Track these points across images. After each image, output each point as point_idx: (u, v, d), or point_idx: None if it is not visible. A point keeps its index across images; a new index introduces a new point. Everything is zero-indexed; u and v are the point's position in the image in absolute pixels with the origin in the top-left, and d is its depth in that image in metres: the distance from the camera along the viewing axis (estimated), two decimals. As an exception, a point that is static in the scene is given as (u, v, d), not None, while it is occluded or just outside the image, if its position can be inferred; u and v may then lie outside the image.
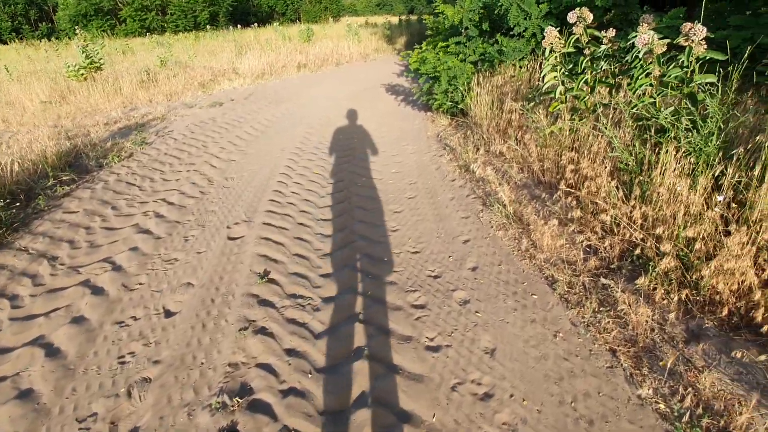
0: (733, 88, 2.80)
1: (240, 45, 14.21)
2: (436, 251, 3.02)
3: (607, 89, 3.57)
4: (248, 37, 16.89)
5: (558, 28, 3.79)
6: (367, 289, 2.65)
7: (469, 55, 5.78)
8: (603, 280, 2.40)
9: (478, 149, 4.45)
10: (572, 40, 3.37)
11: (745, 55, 3.43)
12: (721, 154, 2.46)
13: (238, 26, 18.48)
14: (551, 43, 3.42)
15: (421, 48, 6.36)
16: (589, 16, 3.29)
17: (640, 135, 2.94)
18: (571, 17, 3.31)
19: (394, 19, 22.87)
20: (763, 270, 1.92)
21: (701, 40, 2.59)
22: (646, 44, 2.77)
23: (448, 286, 2.63)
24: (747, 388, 1.73)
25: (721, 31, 4.42)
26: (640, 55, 2.87)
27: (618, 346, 2.05)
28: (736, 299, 1.95)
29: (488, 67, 5.69)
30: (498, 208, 3.33)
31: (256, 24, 21.42)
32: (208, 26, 23.32)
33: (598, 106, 3.35)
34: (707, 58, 2.73)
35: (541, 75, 3.60)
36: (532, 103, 4.12)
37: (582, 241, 2.65)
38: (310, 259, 3.00)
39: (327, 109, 7.32)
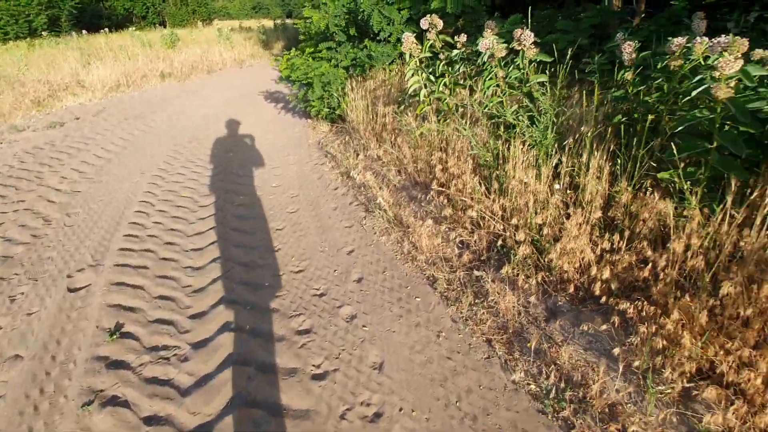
0: (560, 86, 3.20)
1: (87, 53, 12.28)
2: (320, 266, 2.89)
3: (466, 90, 3.83)
4: (98, 43, 14.70)
5: (416, 33, 3.94)
6: (246, 322, 2.41)
7: (341, 61, 5.76)
8: (476, 273, 2.53)
9: (357, 154, 4.44)
10: (427, 46, 3.52)
11: (569, 56, 3.98)
12: (556, 144, 2.77)
13: (84, 32, 15.94)
14: (410, 49, 3.53)
15: (290, 54, 6.15)
16: (439, 23, 3.47)
17: (494, 132, 3.19)
18: (423, 24, 3.45)
19: (270, 23, 22.10)
20: (597, 245, 2.20)
21: (530, 44, 2.90)
22: (488, 49, 3.00)
23: (334, 303, 2.53)
24: (597, 355, 1.94)
25: (551, 34, 5.10)
26: (485, 59, 3.11)
27: (493, 335, 2.17)
28: (579, 275, 2.20)
29: (360, 71, 5.74)
30: (379, 213, 3.33)
31: (107, 29, 18.77)
32: (45, 32, 19.73)
33: (458, 106, 3.56)
34: (538, 60, 3.08)
35: (406, 79, 3.71)
36: (402, 106, 4.23)
37: (455, 238, 2.78)
38: (176, 299, 2.63)
39: (198, 122, 6.68)
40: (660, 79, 2.78)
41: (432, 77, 3.73)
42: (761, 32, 4.57)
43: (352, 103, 4.94)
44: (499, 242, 2.54)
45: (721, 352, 1.59)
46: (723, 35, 1.98)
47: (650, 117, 2.72)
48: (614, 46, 3.04)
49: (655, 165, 2.45)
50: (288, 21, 24.81)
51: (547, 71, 3.41)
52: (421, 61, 3.66)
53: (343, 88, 5.30)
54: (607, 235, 2.23)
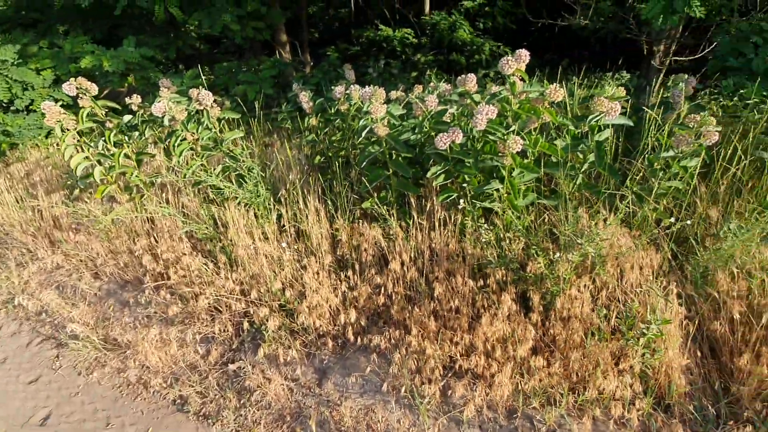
0: (259, 138, 3.21)
1: None
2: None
3: (160, 157, 3.30)
4: None
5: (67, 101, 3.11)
6: None
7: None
8: (231, 367, 2.15)
9: (23, 269, 3.14)
10: (84, 115, 2.81)
11: (258, 107, 4.10)
12: (272, 198, 2.71)
13: None
14: (59, 122, 2.73)
15: None
16: (92, 87, 2.83)
17: (205, 199, 2.86)
18: (68, 89, 2.73)
19: None
20: (337, 288, 2.24)
21: (212, 103, 2.73)
22: (164, 112, 2.64)
23: None
24: (372, 396, 1.95)
25: (239, 86, 5.18)
26: (166, 122, 2.73)
27: (273, 430, 1.86)
28: (333, 325, 2.18)
29: (-4, 154, 4.16)
30: (79, 343, 2.41)
31: None
32: None
33: (154, 178, 3.02)
34: (226, 116, 2.96)
35: (66, 158, 2.85)
36: (75, 191, 3.27)
37: (194, 336, 2.29)
38: None
39: None
40: (337, 121, 3.18)
41: (106, 150, 3.02)
42: (390, 74, 6.11)
43: (-7, 200, 3.48)
44: (246, 324, 2.24)
45: (453, 346, 1.86)
46: (368, 86, 2.38)
47: (340, 155, 3.06)
48: (295, 95, 3.28)
49: (358, 197, 2.75)
50: None
51: (242, 125, 3.35)
52: (82, 133, 2.90)
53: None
54: (342, 275, 2.32)
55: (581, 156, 2.38)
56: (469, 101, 2.38)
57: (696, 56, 4.58)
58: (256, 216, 2.61)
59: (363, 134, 2.25)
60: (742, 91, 3.03)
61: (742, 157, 2.37)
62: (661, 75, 4.49)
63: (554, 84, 2.01)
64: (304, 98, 3.04)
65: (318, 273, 2.24)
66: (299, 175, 2.81)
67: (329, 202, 2.67)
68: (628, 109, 3.53)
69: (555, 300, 1.86)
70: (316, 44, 12.08)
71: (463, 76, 2.45)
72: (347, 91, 2.69)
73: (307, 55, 8.43)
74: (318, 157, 3.23)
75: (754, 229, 1.90)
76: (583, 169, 2.37)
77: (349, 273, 2.28)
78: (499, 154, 2.08)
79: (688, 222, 2.19)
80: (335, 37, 11.14)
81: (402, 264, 2.18)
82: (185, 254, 2.53)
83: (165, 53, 5.38)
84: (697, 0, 3.13)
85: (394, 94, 2.91)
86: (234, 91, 5.19)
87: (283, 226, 2.58)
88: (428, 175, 2.20)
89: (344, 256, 2.45)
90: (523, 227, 2.24)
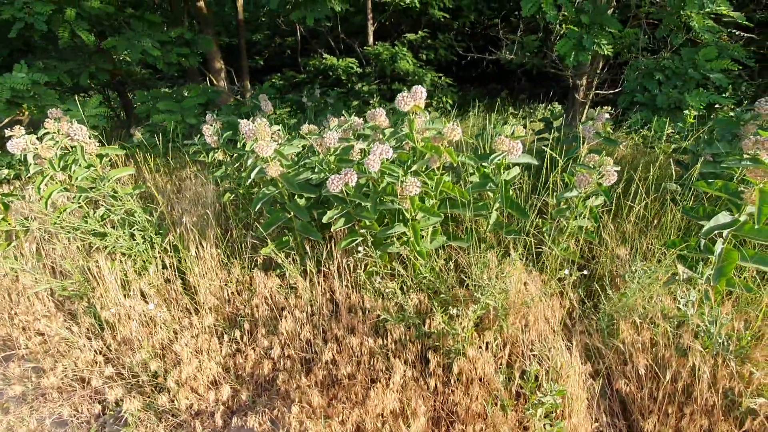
0: (173, 172, 2.87)
1: None
2: None
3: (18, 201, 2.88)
4: None
5: None
6: None
7: None
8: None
9: None
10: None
11: (180, 137, 3.77)
12: (162, 243, 2.38)
13: None
14: None
15: None
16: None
17: (80, 249, 2.48)
18: None
19: None
20: (219, 353, 1.93)
21: (86, 138, 2.40)
22: (24, 149, 2.27)
23: None
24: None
25: (157, 115, 4.81)
26: (30, 161, 2.36)
27: None
28: (205, 402, 1.86)
29: None
30: None
31: None
32: None
33: (27, 223, 2.59)
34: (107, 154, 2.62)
35: None
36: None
37: (46, 419, 1.87)
38: None
39: None
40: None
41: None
42: (324, 103, 5.97)
43: None
44: (111, 402, 1.85)
45: (340, 426, 1.59)
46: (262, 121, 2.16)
47: (251, 193, 2.79)
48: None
49: (260, 242, 2.48)
50: None
51: (150, 160, 3.02)
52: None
53: None
54: (230, 336, 2.01)
55: (492, 195, 2.28)
56: (381, 136, 2.23)
57: (616, 90, 4.81)
58: (139, 268, 2.27)
59: (252, 175, 2.01)
60: (649, 124, 3.12)
61: (651, 189, 2.36)
62: (587, 107, 4.66)
63: (452, 122, 1.89)
64: (207, 131, 2.78)
65: (197, 336, 1.92)
66: (195, 217, 2.51)
67: (225, 248, 2.38)
68: (551, 142, 3.56)
69: (456, 360, 1.66)
70: (261, 71, 11.90)
71: (373, 110, 2.30)
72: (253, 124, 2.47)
73: (247, 83, 8.19)
74: (228, 195, 2.95)
75: (657, 272, 1.83)
76: (494, 208, 2.26)
77: (237, 333, 1.98)
78: (399, 196, 1.91)
79: (596, 265, 2.11)
80: (283, 65, 11.02)
81: (296, 320, 1.92)
82: (46, 316, 2.13)
83: (75, 79, 4.94)
84: (604, 39, 3.23)
85: (304, 129, 2.72)
86: (152, 120, 4.82)
87: (168, 279, 2.25)
88: (324, 219, 1.98)
89: (238, 312, 2.16)
90: (434, 273, 2.07)
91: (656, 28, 3.35)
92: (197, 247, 2.29)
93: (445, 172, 2.19)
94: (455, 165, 2.11)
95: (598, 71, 4.49)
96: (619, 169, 1.92)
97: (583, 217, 2.10)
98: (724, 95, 3.44)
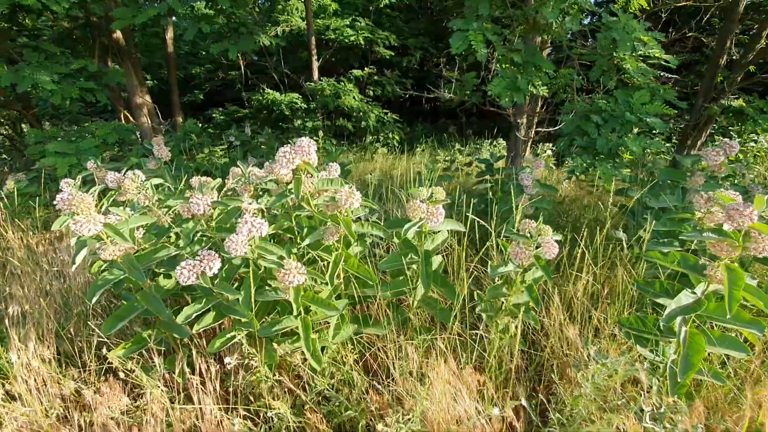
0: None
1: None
2: None
3: None
4: None
5: None
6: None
7: None
8: None
9: None
10: None
11: (76, 184, 3.09)
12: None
13: None
14: None
15: None
16: None
17: None
18: None
19: None
20: None
21: None
22: None
23: None
24: None
25: (45, 158, 4.09)
26: None
27: None
28: None
29: None
30: None
31: None
32: None
33: None
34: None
35: None
36: None
37: None
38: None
39: None
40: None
41: None
42: (258, 142, 5.47)
43: None
44: None
45: None
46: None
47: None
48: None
49: (111, 340, 1.88)
50: None
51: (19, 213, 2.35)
52: None
53: None
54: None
55: (416, 268, 1.84)
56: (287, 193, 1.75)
57: (557, 127, 4.71)
58: None
59: (77, 259, 1.44)
60: (590, 169, 2.89)
61: (599, 250, 2.03)
62: (528, 144, 4.48)
63: (347, 186, 1.45)
64: (65, 186, 2.18)
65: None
66: (28, 305, 1.88)
67: (68, 348, 1.76)
68: (497, 185, 3.25)
69: None
70: (201, 107, 11.23)
71: (268, 162, 1.84)
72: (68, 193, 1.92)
73: (178, 118, 7.56)
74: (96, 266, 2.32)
75: (614, 365, 1.44)
76: (417, 284, 1.82)
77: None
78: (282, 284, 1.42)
79: (541, 352, 1.71)
80: (226, 99, 10.45)
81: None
82: None
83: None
84: (538, 80, 3.01)
85: (195, 181, 2.20)
86: (39, 165, 4.08)
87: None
88: (179, 319, 1.44)
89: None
90: (338, 379, 1.56)
91: (590, 69, 3.20)
92: (24, 343, 1.66)
93: (355, 242, 1.73)
94: (354, 240, 1.66)
95: (538, 110, 4.36)
96: (560, 238, 1.56)
97: (522, 293, 1.71)
98: (658, 139, 3.32)
